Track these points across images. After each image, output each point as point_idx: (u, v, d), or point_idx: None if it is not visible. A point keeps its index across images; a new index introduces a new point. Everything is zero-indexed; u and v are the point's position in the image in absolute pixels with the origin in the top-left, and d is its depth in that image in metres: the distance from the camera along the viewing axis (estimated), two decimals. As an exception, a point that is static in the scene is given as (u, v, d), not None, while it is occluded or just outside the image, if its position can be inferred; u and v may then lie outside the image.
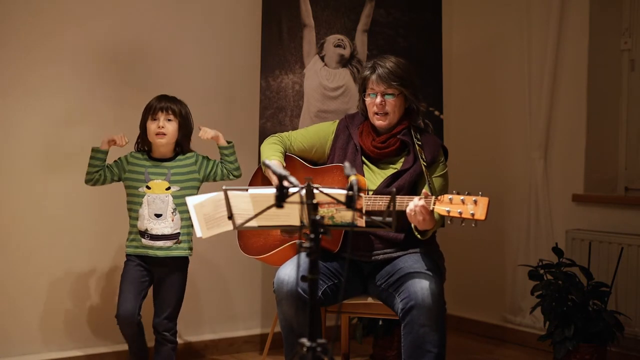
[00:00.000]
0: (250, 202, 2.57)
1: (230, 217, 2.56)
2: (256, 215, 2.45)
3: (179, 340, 4.16)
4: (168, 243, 3.42)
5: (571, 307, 3.82)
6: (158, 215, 3.40)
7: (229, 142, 3.55)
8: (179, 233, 3.44)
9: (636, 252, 4.00)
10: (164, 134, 3.43)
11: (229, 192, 2.54)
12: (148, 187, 3.42)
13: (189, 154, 3.52)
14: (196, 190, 3.50)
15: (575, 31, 4.34)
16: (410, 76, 3.21)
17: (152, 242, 3.41)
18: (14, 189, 3.80)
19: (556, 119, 4.43)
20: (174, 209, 3.43)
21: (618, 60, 4.36)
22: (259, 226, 2.59)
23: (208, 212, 2.90)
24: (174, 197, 3.43)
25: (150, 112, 3.44)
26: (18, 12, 3.78)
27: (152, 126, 3.44)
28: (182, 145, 3.51)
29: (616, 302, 4.03)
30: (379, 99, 3.19)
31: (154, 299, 3.51)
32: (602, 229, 4.18)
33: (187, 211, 3.41)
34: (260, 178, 3.43)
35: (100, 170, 3.45)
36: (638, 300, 4.00)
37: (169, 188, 3.43)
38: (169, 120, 3.44)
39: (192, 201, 2.92)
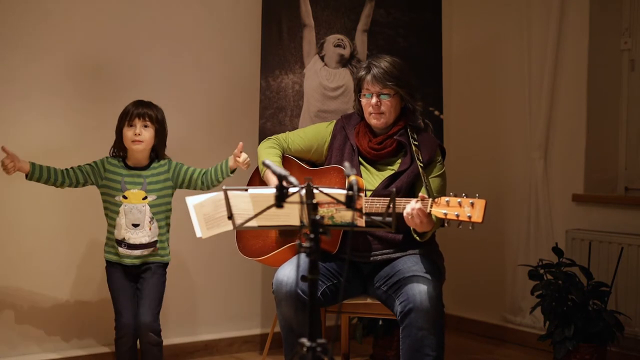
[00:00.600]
0: (250, 202, 2.56)
1: (230, 217, 2.56)
2: (256, 215, 2.45)
3: (180, 340, 4.18)
4: (145, 252, 3.40)
5: (571, 307, 3.82)
6: (135, 225, 3.37)
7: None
8: (156, 241, 3.41)
9: (636, 252, 4.00)
10: (141, 141, 3.39)
11: (229, 192, 2.54)
12: (125, 197, 3.38)
13: (162, 162, 3.48)
14: (170, 198, 3.47)
15: (575, 31, 4.34)
16: (406, 76, 3.19)
17: (130, 251, 3.38)
18: (13, 189, 3.81)
19: (556, 119, 4.43)
20: (151, 218, 3.40)
21: (618, 60, 4.36)
22: (259, 226, 2.58)
23: (208, 212, 2.89)
24: (151, 206, 3.40)
25: (126, 118, 3.40)
26: None
27: (128, 133, 3.39)
28: (158, 151, 3.47)
29: (616, 302, 4.03)
30: (374, 100, 3.17)
31: (137, 300, 3.46)
32: (602, 229, 4.18)
33: (164, 219, 3.43)
34: (258, 178, 3.42)
35: (61, 180, 3.34)
36: (638, 300, 3.99)
37: (145, 198, 3.40)
38: (146, 126, 3.39)
39: (192, 201, 2.91)
